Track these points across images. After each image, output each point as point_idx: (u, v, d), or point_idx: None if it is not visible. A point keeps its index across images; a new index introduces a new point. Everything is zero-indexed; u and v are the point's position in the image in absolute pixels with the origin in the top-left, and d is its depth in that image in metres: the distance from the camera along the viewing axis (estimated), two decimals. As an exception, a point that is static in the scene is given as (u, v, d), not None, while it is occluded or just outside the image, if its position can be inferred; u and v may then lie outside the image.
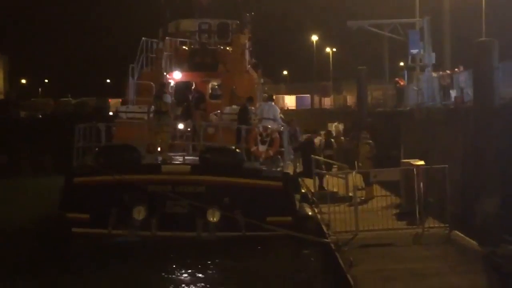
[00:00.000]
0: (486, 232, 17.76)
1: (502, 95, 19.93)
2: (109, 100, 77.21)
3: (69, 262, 20.37)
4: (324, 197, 23.23)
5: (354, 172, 23.19)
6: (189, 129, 24.52)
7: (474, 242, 18.00)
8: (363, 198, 24.80)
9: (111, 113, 49.71)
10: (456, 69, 31.77)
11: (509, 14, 57.26)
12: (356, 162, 28.16)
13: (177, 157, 22.91)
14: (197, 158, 22.02)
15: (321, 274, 18.98)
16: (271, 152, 23.07)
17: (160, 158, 22.46)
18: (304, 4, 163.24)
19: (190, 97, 26.23)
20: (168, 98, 23.71)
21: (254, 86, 28.98)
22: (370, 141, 27.09)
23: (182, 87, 28.20)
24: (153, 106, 23.75)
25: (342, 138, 38.02)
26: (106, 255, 20.42)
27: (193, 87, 27.52)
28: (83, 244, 21.12)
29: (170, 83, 27.92)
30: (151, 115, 23.93)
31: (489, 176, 18.09)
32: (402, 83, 43.81)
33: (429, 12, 37.18)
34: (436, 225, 20.04)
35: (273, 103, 25.57)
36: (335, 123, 47.55)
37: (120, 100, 33.30)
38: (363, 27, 37.88)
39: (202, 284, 18.11)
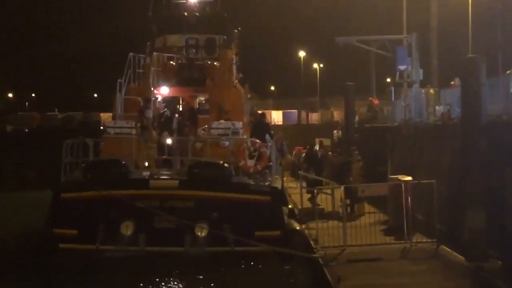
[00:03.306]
0: (473, 246, 17.80)
1: (489, 111, 19.99)
2: (101, 114, 77.10)
3: (55, 278, 20.30)
4: (311, 213, 23.25)
5: (342, 187, 23.17)
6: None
7: (461, 257, 18.06)
8: (354, 213, 24.88)
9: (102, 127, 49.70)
10: (452, 82, 31.81)
11: (495, 31, 57.53)
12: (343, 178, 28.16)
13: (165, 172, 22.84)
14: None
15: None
16: (259, 167, 23.08)
17: (148, 173, 22.40)
18: (292, 20, 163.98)
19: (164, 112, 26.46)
20: (150, 113, 23.71)
21: (241, 101, 28.98)
22: (360, 157, 27.20)
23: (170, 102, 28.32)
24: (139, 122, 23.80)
25: (330, 153, 38.05)
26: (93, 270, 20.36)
27: (180, 103, 27.57)
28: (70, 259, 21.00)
29: (157, 98, 27.90)
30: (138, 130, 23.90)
31: (476, 191, 18.12)
32: (376, 103, 44.26)
33: (416, 29, 37.25)
34: (423, 240, 20.09)
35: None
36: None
37: (112, 114, 33.22)
38: (351, 43, 37.97)
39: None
